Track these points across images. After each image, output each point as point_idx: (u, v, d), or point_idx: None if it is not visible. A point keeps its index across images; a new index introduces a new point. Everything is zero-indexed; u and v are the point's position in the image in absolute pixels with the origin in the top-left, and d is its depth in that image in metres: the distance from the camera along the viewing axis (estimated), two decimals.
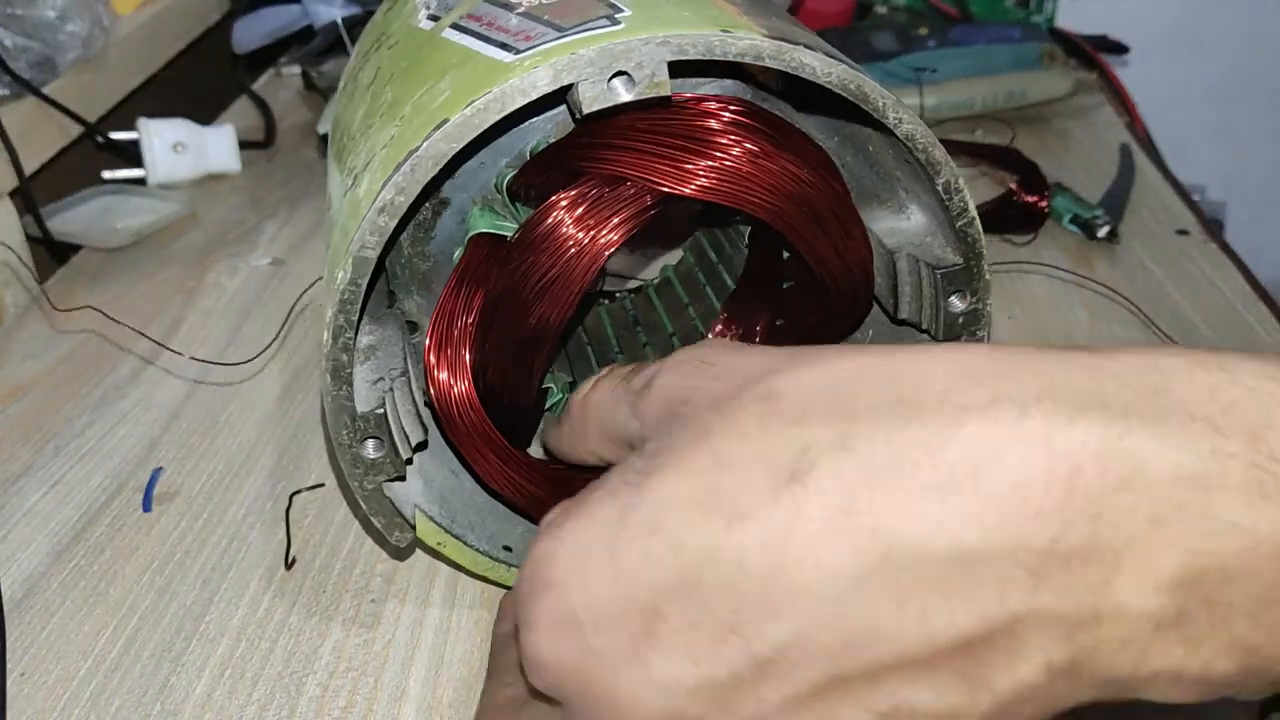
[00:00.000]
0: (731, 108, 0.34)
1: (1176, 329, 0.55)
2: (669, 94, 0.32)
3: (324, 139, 0.75)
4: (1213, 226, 0.66)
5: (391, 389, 0.37)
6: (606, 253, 0.34)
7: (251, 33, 0.88)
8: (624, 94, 0.32)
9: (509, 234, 0.36)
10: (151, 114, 0.77)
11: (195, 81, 0.93)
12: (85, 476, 0.49)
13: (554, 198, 0.34)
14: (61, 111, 0.71)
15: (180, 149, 0.76)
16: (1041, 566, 0.23)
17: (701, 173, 0.33)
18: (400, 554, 0.43)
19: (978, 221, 0.36)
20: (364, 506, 0.37)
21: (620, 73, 0.32)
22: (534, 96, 0.32)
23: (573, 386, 0.43)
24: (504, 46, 0.34)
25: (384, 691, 0.38)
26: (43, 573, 0.44)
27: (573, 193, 0.34)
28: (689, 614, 0.25)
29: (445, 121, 0.31)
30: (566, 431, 0.35)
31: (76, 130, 0.73)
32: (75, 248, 0.70)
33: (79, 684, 0.39)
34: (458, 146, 0.32)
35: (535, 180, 0.36)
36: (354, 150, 0.37)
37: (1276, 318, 0.56)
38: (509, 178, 0.37)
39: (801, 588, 0.24)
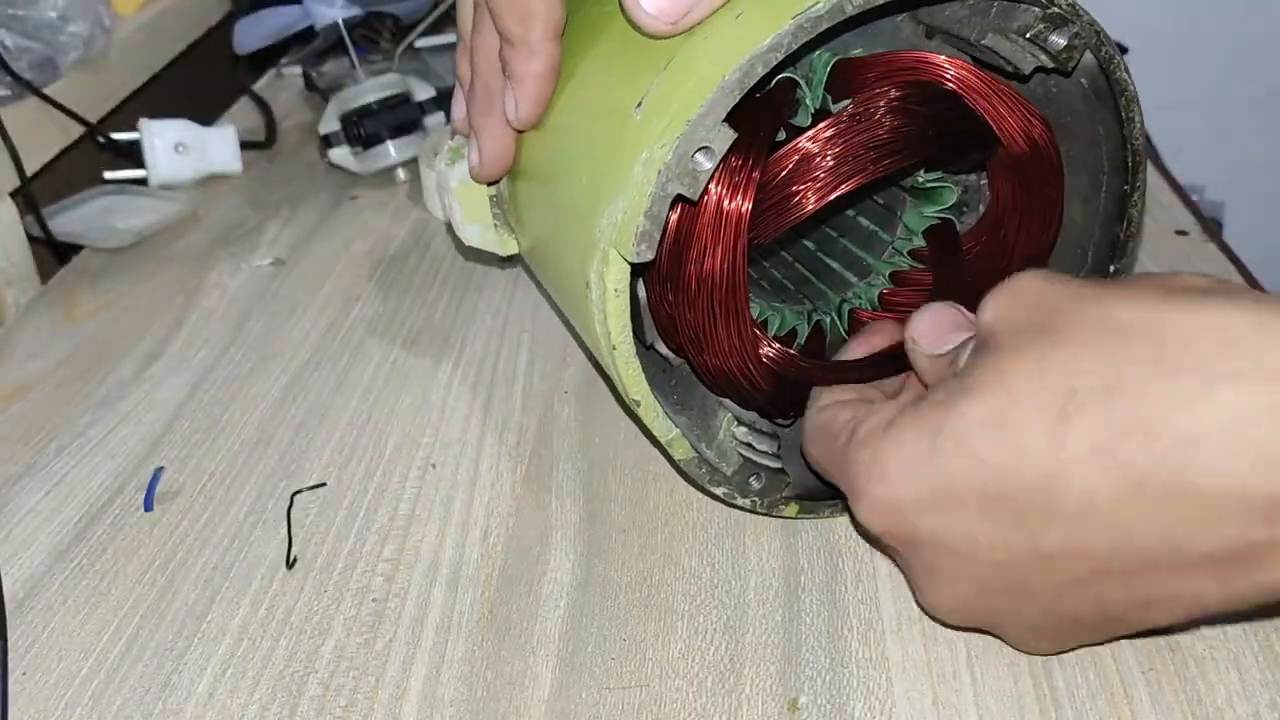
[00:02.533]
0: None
1: None
2: None
3: (325, 139, 0.75)
4: (1211, 227, 0.66)
5: None
6: (893, 164, 0.37)
7: (252, 33, 0.88)
8: (1060, 43, 0.38)
9: (807, 98, 0.39)
10: (153, 114, 0.77)
11: (196, 82, 0.93)
12: (87, 476, 0.49)
13: (864, 97, 0.38)
14: (63, 112, 0.71)
15: (181, 149, 0.76)
16: (1275, 510, 0.28)
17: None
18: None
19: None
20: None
21: None
22: None
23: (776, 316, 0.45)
24: None
25: (385, 691, 0.38)
26: (45, 572, 0.44)
27: (890, 96, 0.37)
28: (987, 508, 0.32)
29: None
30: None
31: (78, 131, 0.73)
32: (77, 248, 0.70)
33: (81, 683, 0.39)
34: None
35: (854, 77, 0.39)
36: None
37: None
38: (838, 59, 0.39)
39: (1070, 504, 0.30)
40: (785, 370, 0.41)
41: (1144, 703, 0.35)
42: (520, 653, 0.39)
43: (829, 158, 0.37)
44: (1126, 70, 0.39)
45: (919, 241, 0.45)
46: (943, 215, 0.44)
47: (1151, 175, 0.72)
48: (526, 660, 0.39)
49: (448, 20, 0.88)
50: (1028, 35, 0.38)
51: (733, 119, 0.35)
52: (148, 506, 0.47)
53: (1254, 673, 0.36)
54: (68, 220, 0.71)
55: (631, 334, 0.39)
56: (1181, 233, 0.65)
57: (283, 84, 0.95)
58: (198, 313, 0.62)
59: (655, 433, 0.40)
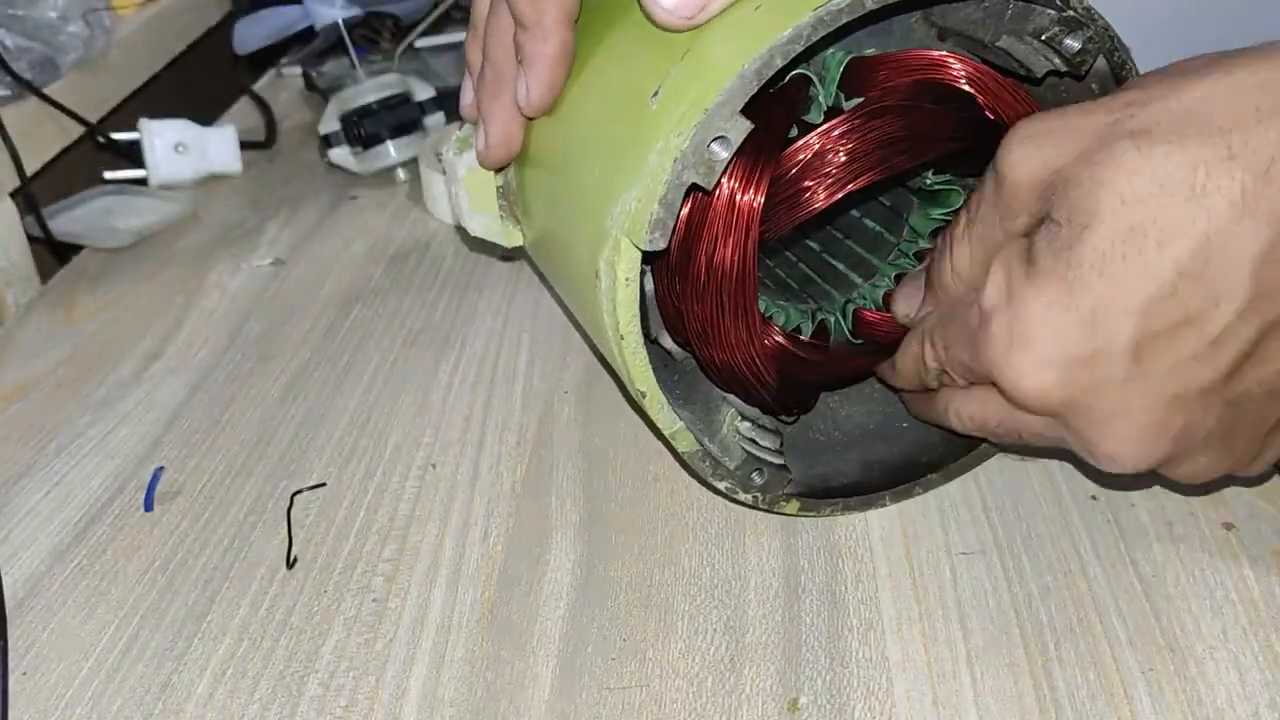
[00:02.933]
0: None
1: None
2: None
3: (325, 140, 0.75)
4: None
5: None
6: (902, 166, 0.37)
7: (252, 33, 0.88)
8: (1074, 46, 0.38)
9: (820, 95, 0.38)
10: (153, 114, 0.77)
11: (196, 82, 0.93)
12: (87, 476, 0.49)
13: (876, 95, 0.37)
14: (63, 112, 0.71)
15: (181, 149, 0.76)
16: None
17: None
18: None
19: None
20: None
21: None
22: None
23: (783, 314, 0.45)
24: None
25: (385, 691, 0.38)
26: (45, 572, 0.44)
27: (894, 98, 0.37)
28: (1150, 324, 0.32)
29: None
30: (948, 288, 0.39)
31: (78, 131, 0.73)
32: (77, 248, 0.70)
33: (81, 683, 0.39)
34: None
35: (866, 75, 0.39)
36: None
37: None
38: (851, 57, 0.39)
39: (1231, 268, 0.31)
40: (791, 365, 0.41)
41: (1144, 703, 0.35)
42: (520, 653, 0.39)
43: (841, 154, 0.37)
44: (1138, 75, 0.39)
45: (925, 244, 0.44)
46: (949, 218, 0.44)
47: None
48: (526, 660, 0.39)
49: (448, 20, 0.88)
50: (1042, 38, 0.38)
51: (747, 113, 0.35)
52: (148, 507, 0.47)
53: (1254, 673, 0.36)
54: (68, 220, 0.71)
55: (639, 325, 0.39)
56: None
57: (283, 84, 0.95)
58: (198, 313, 0.62)
59: (660, 425, 0.40)
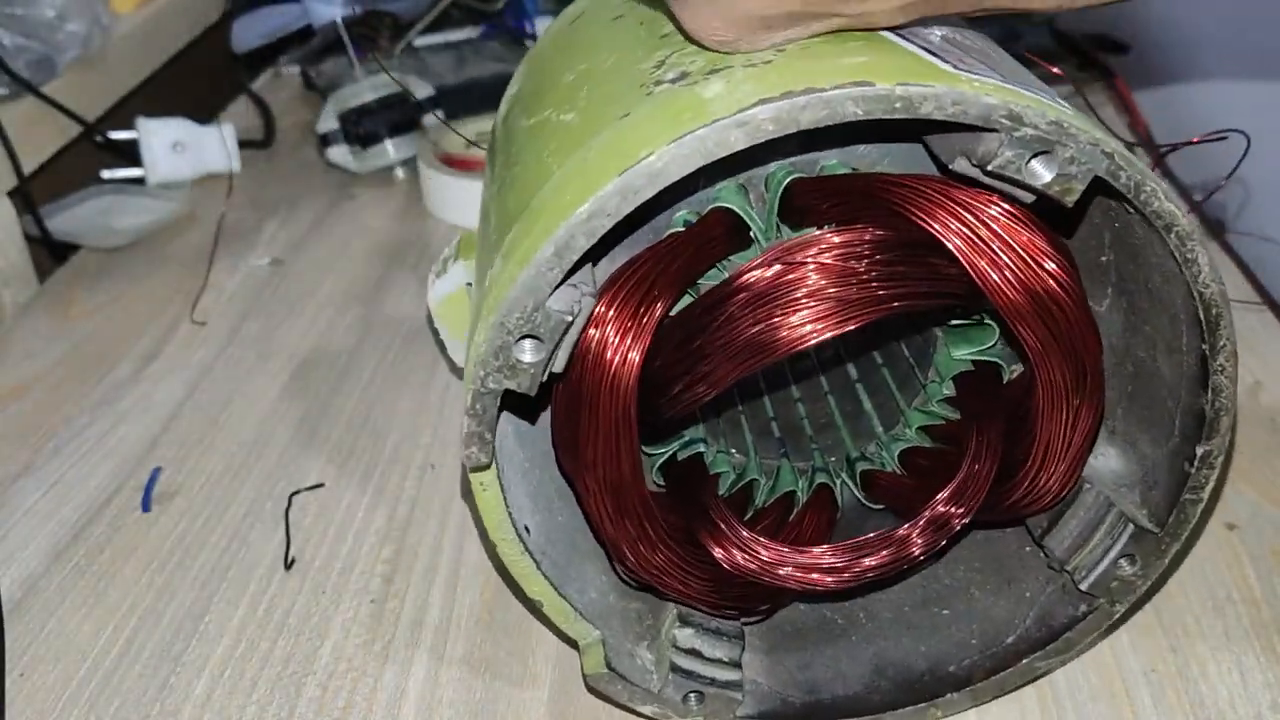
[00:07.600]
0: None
1: None
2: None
3: (323, 139, 0.75)
4: (1214, 226, 0.66)
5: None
6: (840, 331, 0.29)
7: (251, 32, 0.88)
8: (1044, 175, 0.28)
9: (753, 230, 0.32)
10: (150, 113, 0.76)
11: (194, 81, 0.93)
12: (85, 476, 0.49)
13: (816, 235, 0.29)
14: (60, 111, 0.71)
15: (179, 148, 0.76)
16: None
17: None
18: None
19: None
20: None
21: (1041, 152, 0.27)
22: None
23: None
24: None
25: (383, 693, 0.38)
26: (42, 573, 0.44)
27: (839, 239, 0.29)
28: None
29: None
30: None
31: (75, 130, 0.73)
32: (74, 247, 0.70)
33: (78, 684, 0.39)
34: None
35: (813, 202, 0.31)
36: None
37: (1278, 317, 0.56)
38: (794, 178, 0.32)
39: None
40: (737, 568, 0.33)
41: (1146, 704, 0.35)
42: (520, 653, 0.39)
43: (749, 323, 0.30)
44: (1170, 198, 0.29)
45: (948, 390, 0.37)
46: (982, 359, 0.36)
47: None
48: (526, 661, 0.38)
49: (446, 19, 0.88)
50: (989, 167, 0.28)
51: (635, 266, 0.30)
52: (145, 507, 0.47)
53: (1255, 674, 0.36)
54: (65, 220, 0.70)
55: (512, 526, 0.32)
56: None
57: (281, 83, 0.95)
58: (195, 312, 0.62)
59: (571, 635, 0.34)
